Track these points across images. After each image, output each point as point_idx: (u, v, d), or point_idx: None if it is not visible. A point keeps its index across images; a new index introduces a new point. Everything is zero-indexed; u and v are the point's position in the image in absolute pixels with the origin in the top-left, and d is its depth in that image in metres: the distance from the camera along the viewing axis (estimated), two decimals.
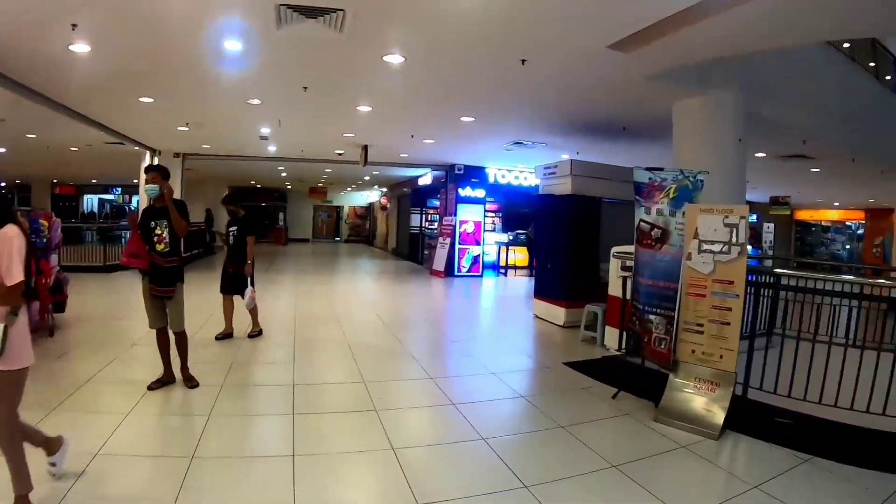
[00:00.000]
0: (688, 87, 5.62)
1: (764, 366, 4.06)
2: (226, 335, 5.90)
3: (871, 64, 8.70)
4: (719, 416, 3.70)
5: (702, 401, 3.84)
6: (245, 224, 6.04)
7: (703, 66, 5.26)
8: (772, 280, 4.52)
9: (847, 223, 20.82)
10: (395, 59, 5.26)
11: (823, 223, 21.61)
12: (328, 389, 4.42)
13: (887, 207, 17.78)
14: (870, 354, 3.81)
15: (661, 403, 3.97)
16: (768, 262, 11.55)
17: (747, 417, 3.83)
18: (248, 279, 5.94)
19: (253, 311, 6.08)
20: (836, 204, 19.53)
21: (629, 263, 4.72)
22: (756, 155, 9.51)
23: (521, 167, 14.25)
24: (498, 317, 8.74)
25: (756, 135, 6.87)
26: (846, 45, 7.85)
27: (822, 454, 3.36)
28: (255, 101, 7.30)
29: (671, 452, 3.39)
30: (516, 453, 3.27)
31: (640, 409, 4.13)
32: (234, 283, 6.00)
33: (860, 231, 20.10)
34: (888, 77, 9.16)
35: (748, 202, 6.22)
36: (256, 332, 6.05)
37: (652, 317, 4.30)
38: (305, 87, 6.44)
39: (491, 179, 14.38)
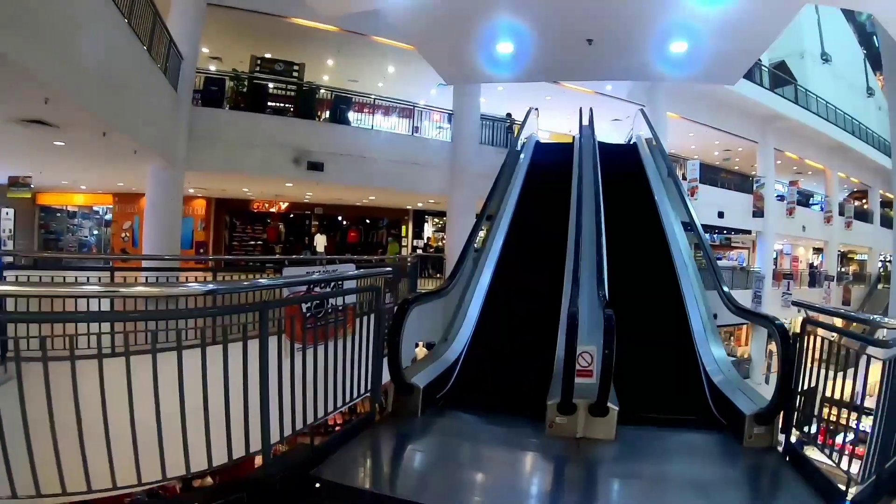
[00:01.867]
0: None
1: None
2: None
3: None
4: None
5: None
6: None
7: None
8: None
9: (94, 208, 19.96)
10: None
11: (70, 208, 19.87)
12: None
13: (137, 192, 17.00)
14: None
15: None
16: (9, 259, 8.28)
17: None
18: None
19: None
20: (84, 188, 18.29)
21: None
22: None
23: None
24: None
25: None
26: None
27: None
28: None
29: None
30: None
31: None
32: None
33: (108, 216, 19.57)
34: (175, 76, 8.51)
35: None
36: None
37: None
38: None
39: None
